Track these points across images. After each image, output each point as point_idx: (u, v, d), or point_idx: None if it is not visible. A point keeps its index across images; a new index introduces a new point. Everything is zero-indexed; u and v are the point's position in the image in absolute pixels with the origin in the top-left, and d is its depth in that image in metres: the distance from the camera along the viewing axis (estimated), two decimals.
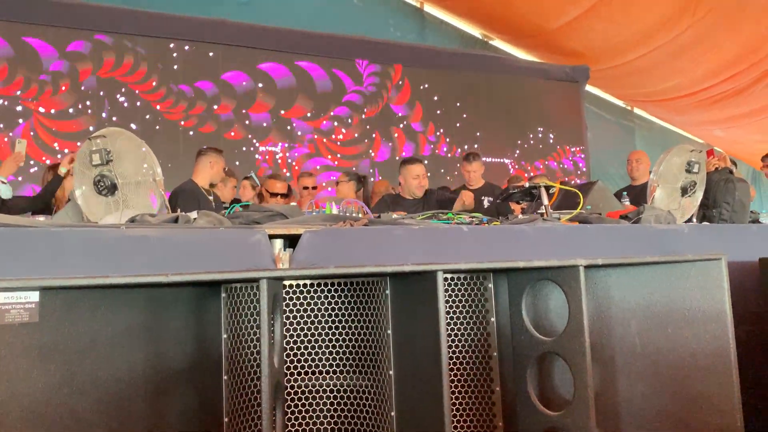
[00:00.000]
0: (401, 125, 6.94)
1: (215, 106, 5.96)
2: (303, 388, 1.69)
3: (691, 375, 1.77)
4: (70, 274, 1.60)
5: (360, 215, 2.52)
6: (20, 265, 1.62)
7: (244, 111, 6.09)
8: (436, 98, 7.14)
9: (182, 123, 5.81)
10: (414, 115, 7.03)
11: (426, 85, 7.09)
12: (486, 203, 4.78)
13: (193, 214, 2.16)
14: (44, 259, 1.65)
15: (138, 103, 5.64)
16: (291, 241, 2.01)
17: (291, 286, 1.74)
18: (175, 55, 5.83)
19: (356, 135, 6.68)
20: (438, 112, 7.13)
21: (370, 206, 4.25)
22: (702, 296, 1.74)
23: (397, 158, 6.70)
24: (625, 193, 4.40)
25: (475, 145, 7.29)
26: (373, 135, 6.75)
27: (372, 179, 6.02)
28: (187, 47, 5.86)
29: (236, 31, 6.08)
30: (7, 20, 5.17)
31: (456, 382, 1.81)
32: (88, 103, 5.47)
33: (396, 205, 4.21)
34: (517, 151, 7.65)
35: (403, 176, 4.33)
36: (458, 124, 7.25)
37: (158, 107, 5.72)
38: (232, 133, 6.05)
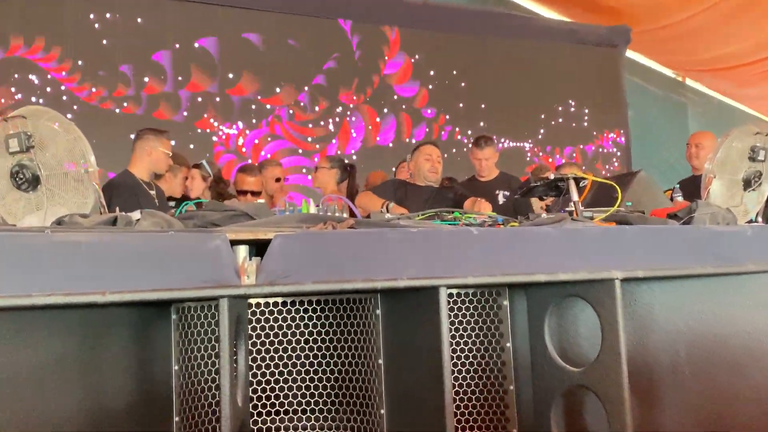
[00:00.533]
0: (400, 105, 6.97)
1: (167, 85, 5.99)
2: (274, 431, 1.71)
3: (753, 415, 1.80)
4: None
5: (345, 215, 2.54)
6: None
7: (186, 89, 6.12)
8: (433, 72, 7.16)
9: (109, 106, 5.83)
10: (418, 93, 7.06)
11: (420, 55, 7.09)
12: (501, 199, 4.82)
13: (136, 215, 2.17)
14: None
15: (61, 88, 5.67)
16: (258, 248, 2.02)
17: (258, 305, 1.75)
18: (97, 26, 5.84)
19: (335, 118, 6.71)
20: (431, 86, 7.14)
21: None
22: (766, 316, 1.78)
23: (390, 145, 6.74)
24: (677, 186, 4.44)
25: (481, 123, 7.30)
26: (353, 118, 6.77)
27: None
28: (108, 15, 5.86)
29: None
30: None
31: (463, 423, 1.83)
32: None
33: (404, 192, 4.26)
34: (541, 131, 7.68)
35: (415, 160, 4.44)
36: (461, 104, 7.27)
37: (83, 92, 5.74)
38: (185, 113, 6.06)
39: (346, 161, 4.95)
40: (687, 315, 1.86)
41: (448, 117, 7.21)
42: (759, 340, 1.82)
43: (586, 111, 7.92)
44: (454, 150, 7.08)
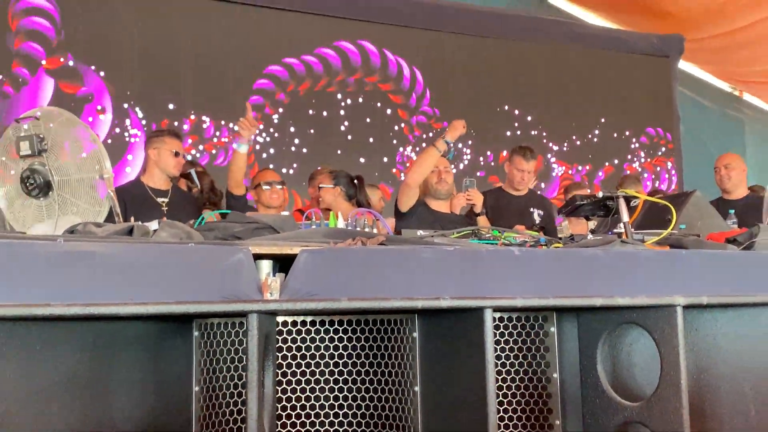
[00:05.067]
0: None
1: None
2: None
3: None
4: None
5: (375, 230, 2.54)
6: None
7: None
8: (460, 76, 7.17)
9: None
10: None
11: (448, 62, 7.10)
12: (536, 217, 4.78)
13: (153, 225, 2.19)
14: None
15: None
16: (282, 263, 2.03)
17: (286, 324, 1.75)
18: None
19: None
20: (448, 100, 7.13)
21: None
22: None
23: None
24: (732, 211, 4.41)
25: (508, 133, 7.25)
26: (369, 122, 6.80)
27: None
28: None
29: None
30: None
31: None
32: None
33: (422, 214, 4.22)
34: (583, 147, 7.63)
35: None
36: (491, 121, 7.23)
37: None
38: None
39: (351, 174, 4.74)
40: (754, 348, 1.83)
41: (472, 131, 7.19)
42: None
43: (634, 126, 7.87)
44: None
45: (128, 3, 5.97)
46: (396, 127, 6.92)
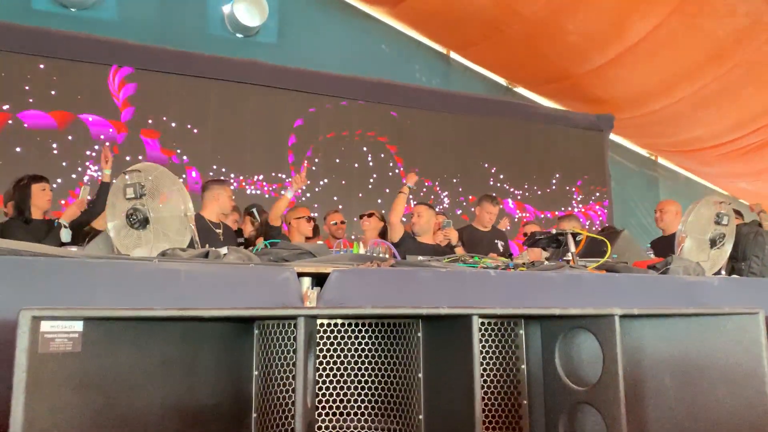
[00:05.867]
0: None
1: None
2: (331, 430, 1.69)
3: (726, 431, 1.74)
4: (103, 305, 1.64)
5: (387, 256, 2.56)
6: (55, 294, 1.66)
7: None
8: (449, 148, 7.21)
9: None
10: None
11: (433, 131, 7.14)
12: (500, 247, 4.79)
13: (223, 250, 2.20)
14: (78, 290, 1.69)
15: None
16: (318, 279, 2.03)
17: (323, 324, 1.75)
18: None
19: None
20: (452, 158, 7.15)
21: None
22: (738, 351, 1.73)
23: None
24: (649, 245, 4.41)
25: (490, 182, 7.28)
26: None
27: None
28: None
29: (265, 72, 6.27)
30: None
31: (484, 430, 1.79)
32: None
33: (410, 245, 4.21)
34: (539, 197, 7.66)
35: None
36: (473, 175, 7.26)
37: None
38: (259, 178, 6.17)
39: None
40: (671, 348, 1.81)
41: (459, 175, 7.22)
42: (731, 371, 1.77)
43: (578, 180, 7.93)
44: (459, 211, 7.08)
45: (204, 87, 6.04)
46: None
